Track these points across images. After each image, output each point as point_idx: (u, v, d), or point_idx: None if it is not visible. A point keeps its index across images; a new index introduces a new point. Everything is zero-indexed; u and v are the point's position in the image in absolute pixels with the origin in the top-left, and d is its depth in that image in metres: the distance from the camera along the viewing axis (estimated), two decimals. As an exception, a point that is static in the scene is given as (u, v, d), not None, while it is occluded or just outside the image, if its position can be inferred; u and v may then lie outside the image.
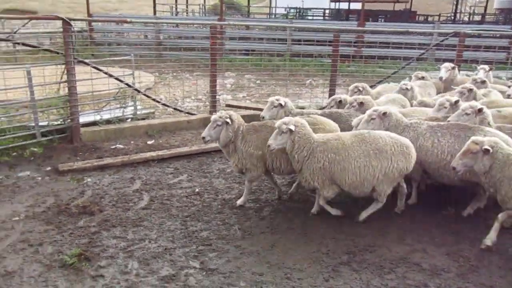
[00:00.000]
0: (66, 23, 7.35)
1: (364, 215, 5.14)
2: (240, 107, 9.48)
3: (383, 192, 4.97)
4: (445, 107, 5.95)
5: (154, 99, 8.83)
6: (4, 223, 5.08)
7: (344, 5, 28.36)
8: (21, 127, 7.58)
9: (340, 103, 6.75)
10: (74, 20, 7.52)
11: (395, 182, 5.02)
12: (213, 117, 5.37)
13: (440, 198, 5.75)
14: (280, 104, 6.11)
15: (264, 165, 5.46)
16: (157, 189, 6.18)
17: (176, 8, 27.79)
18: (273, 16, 29.83)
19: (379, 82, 10.21)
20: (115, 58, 9.22)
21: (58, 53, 7.56)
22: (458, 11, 29.70)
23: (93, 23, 19.98)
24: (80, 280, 4.07)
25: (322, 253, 4.59)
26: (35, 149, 7.32)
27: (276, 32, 19.22)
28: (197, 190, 6.15)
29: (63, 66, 7.64)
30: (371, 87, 9.69)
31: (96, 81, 8.23)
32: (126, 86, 8.40)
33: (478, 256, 4.57)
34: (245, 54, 18.06)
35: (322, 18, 28.24)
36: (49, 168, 6.79)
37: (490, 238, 4.61)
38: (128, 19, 9.82)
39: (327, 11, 29.77)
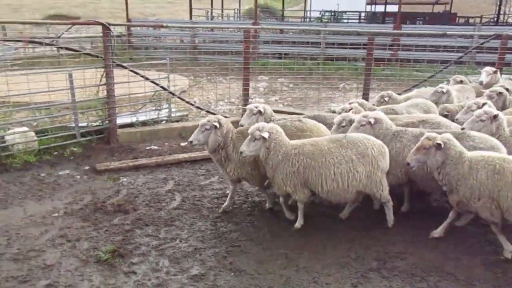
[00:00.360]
0: (106, 28, 7.65)
1: (390, 220, 5.07)
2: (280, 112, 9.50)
3: (381, 194, 4.89)
4: (473, 110, 5.71)
5: (188, 102, 9.01)
6: (45, 218, 5.34)
7: (380, 8, 27.87)
8: (62, 128, 7.95)
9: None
10: (113, 25, 7.80)
11: (384, 180, 4.90)
12: (201, 121, 5.30)
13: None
14: (260, 111, 5.91)
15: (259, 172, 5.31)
16: (189, 190, 6.31)
17: (211, 13, 28.23)
18: (307, 20, 29.73)
19: (415, 86, 9.98)
20: (152, 62, 9.47)
21: (98, 56, 7.87)
22: (501, 12, 28.55)
23: (131, 28, 20.62)
24: (113, 276, 4.21)
25: (351, 258, 4.54)
26: (75, 149, 7.64)
27: (310, 35, 19.16)
28: (227, 192, 6.22)
29: (103, 70, 7.96)
30: (406, 91, 9.53)
31: (133, 84, 8.51)
32: (161, 89, 8.61)
33: (517, 268, 4.39)
34: (278, 57, 18.09)
35: (357, 21, 27.87)
36: (87, 167, 7.07)
37: (437, 232, 4.87)
38: (164, 24, 10.10)
39: (362, 14, 29.38)
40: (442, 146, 4.42)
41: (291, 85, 14.77)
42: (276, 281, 4.16)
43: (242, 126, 5.81)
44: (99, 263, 4.40)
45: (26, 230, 5.03)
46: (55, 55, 13.50)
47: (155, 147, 8.15)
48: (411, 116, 5.98)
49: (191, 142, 5.26)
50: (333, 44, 17.34)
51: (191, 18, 25.10)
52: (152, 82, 8.53)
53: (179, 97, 9.08)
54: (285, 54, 16.98)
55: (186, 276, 4.24)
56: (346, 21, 27.93)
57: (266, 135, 4.74)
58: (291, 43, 19.78)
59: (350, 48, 15.56)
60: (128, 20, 21.35)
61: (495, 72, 7.97)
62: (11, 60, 13.76)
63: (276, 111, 9.64)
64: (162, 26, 12.48)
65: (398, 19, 18.83)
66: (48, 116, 7.85)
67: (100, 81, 8.12)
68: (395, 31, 16.33)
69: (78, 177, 6.71)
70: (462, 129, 5.20)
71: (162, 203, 5.87)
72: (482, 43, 10.55)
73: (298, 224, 5.09)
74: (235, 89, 12.63)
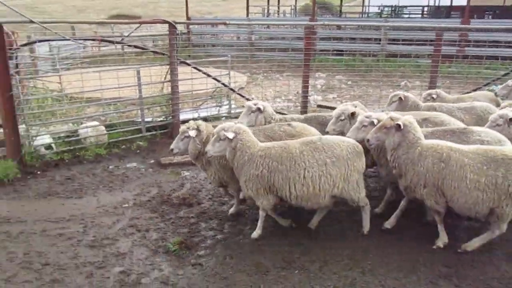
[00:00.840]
0: (172, 26, 7.90)
1: (366, 226, 4.88)
2: (331, 108, 9.37)
3: (358, 197, 4.71)
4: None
5: (247, 98, 9.10)
6: (116, 208, 5.63)
7: (445, 2, 26.51)
8: (130, 122, 8.33)
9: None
10: (178, 23, 8.04)
11: (361, 182, 4.74)
12: (181, 128, 5.17)
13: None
14: (259, 109, 5.64)
15: None
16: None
17: (267, 10, 28.30)
18: (365, 15, 28.97)
19: (486, 85, 9.42)
20: (213, 59, 9.68)
21: (164, 54, 8.16)
22: None
23: (190, 26, 21.15)
24: (181, 267, 4.36)
25: (419, 263, 4.39)
26: (141, 143, 7.99)
27: (369, 31, 18.65)
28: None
29: (167, 67, 8.24)
30: (476, 90, 9.01)
31: (195, 81, 8.73)
32: (222, 85, 8.77)
33: None
34: (336, 54, 17.80)
35: (420, 16, 26.72)
36: (152, 161, 7.37)
37: (390, 223, 4.94)
38: (227, 21, 10.27)
39: (425, 9, 28.13)
40: (402, 127, 4.44)
41: (349, 83, 14.48)
42: (341, 282, 4.11)
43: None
44: (167, 253, 4.58)
45: (100, 219, 5.33)
46: (120, 53, 14.17)
47: (216, 143, 8.31)
48: (416, 113, 5.70)
49: (172, 150, 5.16)
50: (394, 40, 16.75)
51: (247, 15, 25.32)
52: (214, 78, 8.70)
53: (238, 94, 9.19)
54: (343, 50, 16.66)
55: (249, 269, 4.29)
56: (407, 16, 26.87)
57: (230, 135, 4.56)
58: (350, 39, 19.38)
59: (412, 44, 14.94)
60: (188, 18, 21.92)
61: None
62: (80, 58, 14.64)
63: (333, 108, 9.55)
64: (225, 24, 12.65)
65: (467, 12, 17.83)
66: (116, 111, 8.26)
67: (165, 78, 8.40)
68: (466, 26, 15.44)
69: (144, 170, 7.01)
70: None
71: (224, 197, 5.98)
72: None
73: (255, 234, 4.84)
74: (292, 86, 12.60)
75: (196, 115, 8.84)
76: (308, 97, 10.17)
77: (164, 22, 7.97)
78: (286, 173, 4.52)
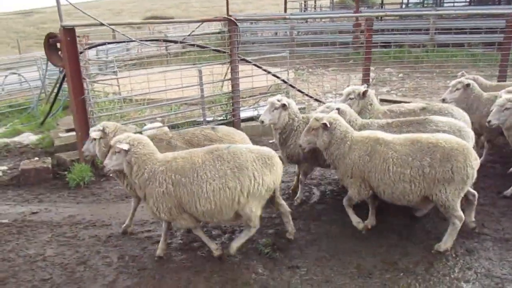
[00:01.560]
0: (233, 23, 7.80)
1: (234, 245, 4.34)
2: (394, 102, 9.05)
3: (251, 216, 4.14)
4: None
5: (307, 95, 8.92)
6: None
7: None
8: (191, 122, 8.29)
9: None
10: (239, 20, 7.94)
11: (264, 200, 4.25)
12: (90, 130, 4.80)
13: None
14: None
15: None
16: (325, 184, 6.20)
17: (305, 4, 27.96)
18: (404, 6, 28.12)
19: None
20: (269, 56, 9.54)
21: (225, 52, 8.08)
22: None
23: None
24: (277, 269, 4.23)
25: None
26: (205, 143, 7.93)
27: (418, 21, 18.00)
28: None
29: (226, 65, 8.14)
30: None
31: (250, 78, 8.57)
32: (282, 82, 8.61)
33: None
34: (382, 46, 17.29)
35: (465, 3, 25.63)
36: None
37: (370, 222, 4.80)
38: (287, 16, 10.13)
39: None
40: (328, 126, 4.50)
41: (400, 75, 14.03)
42: (454, 285, 3.87)
43: (263, 122, 5.32)
44: (260, 256, 4.45)
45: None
46: (174, 53, 14.13)
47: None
48: (415, 105, 5.75)
49: (83, 152, 4.86)
50: (442, 29, 16.11)
51: (285, 10, 25.06)
52: (274, 75, 8.56)
53: (299, 90, 9.00)
54: (391, 42, 16.13)
55: (350, 272, 4.12)
56: (451, 4, 25.87)
57: (125, 147, 4.04)
58: (393, 31, 18.80)
59: (464, 33, 14.34)
60: (229, 16, 21.85)
61: None
62: (137, 59, 14.77)
63: (392, 101, 9.22)
64: (285, 18, 12.53)
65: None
66: (179, 111, 8.24)
67: (225, 76, 8.32)
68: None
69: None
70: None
71: (304, 196, 5.81)
72: None
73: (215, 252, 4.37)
74: (341, 81, 12.31)
75: (255, 113, 8.72)
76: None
77: (226, 19, 7.88)
78: (190, 187, 4.00)
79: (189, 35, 9.48)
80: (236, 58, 8.01)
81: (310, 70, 15.70)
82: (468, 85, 6.26)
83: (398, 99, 9.72)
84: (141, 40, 8.66)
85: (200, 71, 7.89)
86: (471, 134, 4.91)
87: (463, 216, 4.27)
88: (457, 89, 6.30)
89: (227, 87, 8.37)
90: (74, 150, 7.32)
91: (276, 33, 23.03)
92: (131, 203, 5.80)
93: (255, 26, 21.39)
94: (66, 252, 4.69)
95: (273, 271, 4.22)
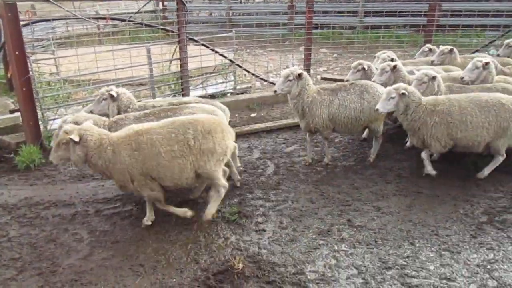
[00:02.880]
0: (181, 2, 7.83)
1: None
2: (335, 80, 9.67)
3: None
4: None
5: (253, 74, 9.22)
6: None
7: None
8: (140, 102, 8.25)
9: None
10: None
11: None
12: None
13: None
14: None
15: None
16: (277, 157, 6.62)
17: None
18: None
19: (476, 52, 9.97)
20: (219, 35, 9.64)
21: (172, 32, 8.08)
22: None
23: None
24: (246, 234, 4.58)
25: (461, 214, 4.84)
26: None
27: (345, 4, 18.90)
28: (315, 157, 6.51)
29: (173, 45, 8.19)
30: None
31: (198, 58, 8.69)
32: (230, 62, 8.83)
33: None
34: (315, 28, 17.97)
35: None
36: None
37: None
38: None
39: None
40: (77, 140, 4.21)
41: (334, 55, 14.82)
42: (398, 235, 4.48)
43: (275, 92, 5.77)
44: (229, 223, 4.77)
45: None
46: (121, 31, 13.49)
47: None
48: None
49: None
50: (372, 12, 17.11)
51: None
52: (221, 55, 8.74)
53: (246, 70, 9.27)
54: (322, 24, 16.84)
55: (312, 232, 4.58)
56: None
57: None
58: (324, 12, 19.55)
59: (390, 16, 15.39)
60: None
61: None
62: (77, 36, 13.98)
63: (333, 80, 9.85)
64: None
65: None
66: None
67: (173, 55, 8.36)
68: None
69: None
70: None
71: (258, 169, 6.19)
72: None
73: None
74: (279, 61, 12.76)
75: (204, 92, 8.89)
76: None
77: (172, -2, 7.88)
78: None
79: (136, 13, 9.27)
80: (184, 38, 8.08)
81: (248, 50, 15.98)
82: (395, 66, 6.73)
83: (338, 77, 10.36)
84: (87, 18, 8.34)
85: (148, 50, 7.87)
86: (223, 115, 5.47)
87: (226, 184, 4.74)
88: (386, 71, 6.38)
89: (175, 67, 8.43)
90: (17, 132, 7.04)
91: (211, 14, 22.87)
92: (91, 183, 5.85)
93: (191, 6, 21.03)
94: (31, 232, 4.64)
95: (242, 235, 4.56)
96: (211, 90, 9.02)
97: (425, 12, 9.91)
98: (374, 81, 6.21)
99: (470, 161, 6.01)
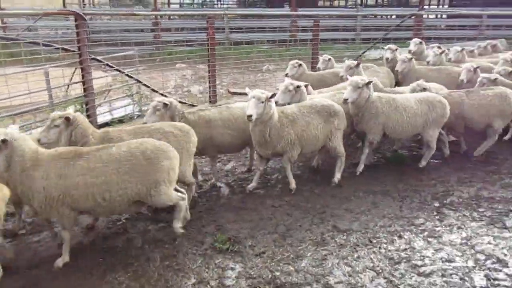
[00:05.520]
0: (81, 17, 6.91)
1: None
2: (244, 94, 9.71)
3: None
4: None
5: (162, 94, 8.62)
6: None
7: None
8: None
9: None
10: (88, 14, 7.08)
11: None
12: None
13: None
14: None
15: None
16: (223, 177, 6.38)
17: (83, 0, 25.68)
18: (179, 6, 29.37)
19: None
20: (118, 54, 8.70)
21: (73, 51, 7.03)
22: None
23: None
24: (248, 260, 4.30)
25: (418, 203, 5.46)
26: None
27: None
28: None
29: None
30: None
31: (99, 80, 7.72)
32: (138, 82, 8.14)
33: None
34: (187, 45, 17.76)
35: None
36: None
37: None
38: (135, 12, 9.34)
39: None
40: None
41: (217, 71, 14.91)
42: (384, 231, 4.81)
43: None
44: (224, 253, 4.40)
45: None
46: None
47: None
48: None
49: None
50: (237, 28, 17.83)
51: (64, 5, 22.45)
52: (127, 75, 8.00)
53: (153, 90, 8.61)
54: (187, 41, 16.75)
55: (310, 244, 4.57)
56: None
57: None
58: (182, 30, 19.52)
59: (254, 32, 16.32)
60: (64, 6, 18.04)
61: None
62: None
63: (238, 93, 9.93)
64: (133, 14, 11.32)
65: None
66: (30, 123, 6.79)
67: (71, 78, 7.32)
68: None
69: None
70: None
71: (213, 192, 5.89)
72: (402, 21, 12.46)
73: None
74: (160, 79, 12.27)
75: (110, 118, 8.00)
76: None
77: (72, 13, 6.89)
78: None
79: (27, 29, 7.73)
80: (87, 58, 7.15)
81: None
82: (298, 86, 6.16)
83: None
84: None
85: (47, 74, 6.72)
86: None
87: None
88: (289, 90, 6.05)
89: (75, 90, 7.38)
90: None
91: (57, 31, 20.62)
92: None
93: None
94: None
95: (245, 262, 4.26)
96: (117, 114, 8.16)
97: (310, 27, 10.81)
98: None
99: (394, 156, 6.84)
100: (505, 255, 4.31)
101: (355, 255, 4.36)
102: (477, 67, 7.34)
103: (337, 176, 5.94)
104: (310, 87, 6.64)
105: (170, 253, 4.40)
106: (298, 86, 5.99)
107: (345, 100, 5.83)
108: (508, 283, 3.90)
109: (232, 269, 4.17)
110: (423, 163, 6.39)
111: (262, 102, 5.16)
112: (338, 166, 5.97)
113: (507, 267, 4.13)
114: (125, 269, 4.16)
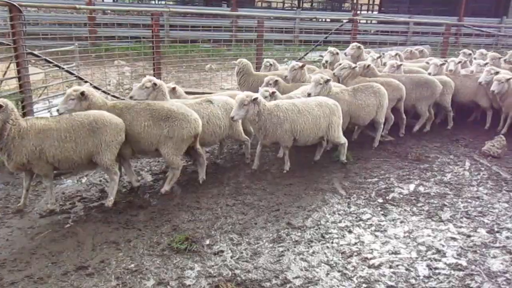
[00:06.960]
0: (17, 9, 6.46)
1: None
2: (198, 94, 9.58)
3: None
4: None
5: (104, 91, 8.28)
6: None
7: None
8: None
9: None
10: (24, 5, 6.62)
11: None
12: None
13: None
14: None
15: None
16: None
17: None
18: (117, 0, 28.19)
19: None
20: (57, 49, 8.17)
21: (8, 45, 6.52)
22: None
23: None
24: (207, 259, 4.31)
25: (364, 199, 5.78)
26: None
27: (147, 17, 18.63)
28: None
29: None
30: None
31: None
32: (78, 79, 7.75)
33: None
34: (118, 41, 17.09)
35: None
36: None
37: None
38: (77, 6, 8.75)
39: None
40: None
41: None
42: (335, 227, 5.05)
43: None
44: (182, 253, 4.37)
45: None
46: None
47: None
48: None
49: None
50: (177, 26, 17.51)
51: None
52: (67, 71, 7.58)
53: (95, 87, 8.18)
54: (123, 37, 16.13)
55: (266, 241, 4.67)
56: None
57: None
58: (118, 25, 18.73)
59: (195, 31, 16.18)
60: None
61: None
62: None
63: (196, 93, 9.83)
64: (75, 8, 10.48)
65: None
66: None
67: (5, 74, 6.81)
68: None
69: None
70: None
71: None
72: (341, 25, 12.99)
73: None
74: (97, 75, 11.79)
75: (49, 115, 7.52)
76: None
77: (5, 4, 6.38)
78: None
79: None
80: (23, 52, 6.69)
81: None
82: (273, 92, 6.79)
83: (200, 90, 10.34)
84: None
85: (-21, 68, 6.19)
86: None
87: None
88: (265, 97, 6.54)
89: (11, 86, 6.88)
90: None
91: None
92: None
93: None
94: None
95: (204, 261, 4.27)
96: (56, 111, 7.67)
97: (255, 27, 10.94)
98: None
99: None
100: (443, 246, 4.72)
101: (310, 251, 4.54)
102: (510, 78, 8.19)
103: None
104: None
105: (125, 255, 4.30)
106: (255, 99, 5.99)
107: (232, 118, 5.86)
108: (447, 271, 4.28)
109: (192, 268, 4.16)
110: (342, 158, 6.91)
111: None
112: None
113: (445, 257, 4.52)
114: (78, 272, 3.99)
